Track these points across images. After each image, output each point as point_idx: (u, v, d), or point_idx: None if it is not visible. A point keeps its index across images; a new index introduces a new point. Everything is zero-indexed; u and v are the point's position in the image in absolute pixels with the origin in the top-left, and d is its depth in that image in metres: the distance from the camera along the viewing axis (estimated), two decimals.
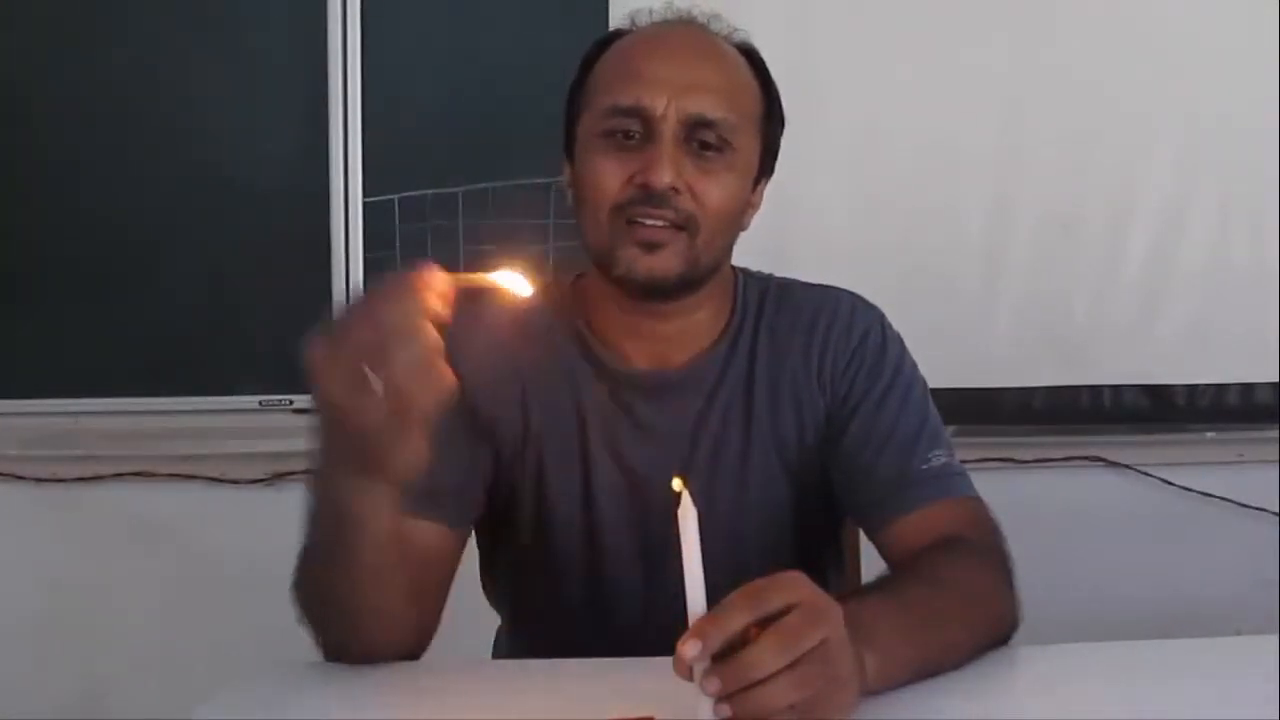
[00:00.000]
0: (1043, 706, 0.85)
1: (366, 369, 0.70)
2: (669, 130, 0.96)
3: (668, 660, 0.68)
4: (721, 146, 0.98)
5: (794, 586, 0.69)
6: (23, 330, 2.19)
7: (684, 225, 0.97)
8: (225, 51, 2.14)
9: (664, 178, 0.94)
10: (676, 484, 0.69)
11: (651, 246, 0.96)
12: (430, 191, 2.12)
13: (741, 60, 1.04)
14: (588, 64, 1.04)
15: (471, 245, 2.12)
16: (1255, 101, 2.03)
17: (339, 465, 0.78)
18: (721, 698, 0.66)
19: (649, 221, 0.96)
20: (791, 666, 0.66)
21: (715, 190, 0.97)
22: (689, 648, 0.66)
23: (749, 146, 1.01)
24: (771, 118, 1.06)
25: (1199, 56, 2.03)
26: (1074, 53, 2.04)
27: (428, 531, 0.98)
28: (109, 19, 2.14)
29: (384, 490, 0.79)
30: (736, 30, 1.06)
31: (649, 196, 0.95)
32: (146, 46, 2.15)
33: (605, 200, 0.97)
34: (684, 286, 0.99)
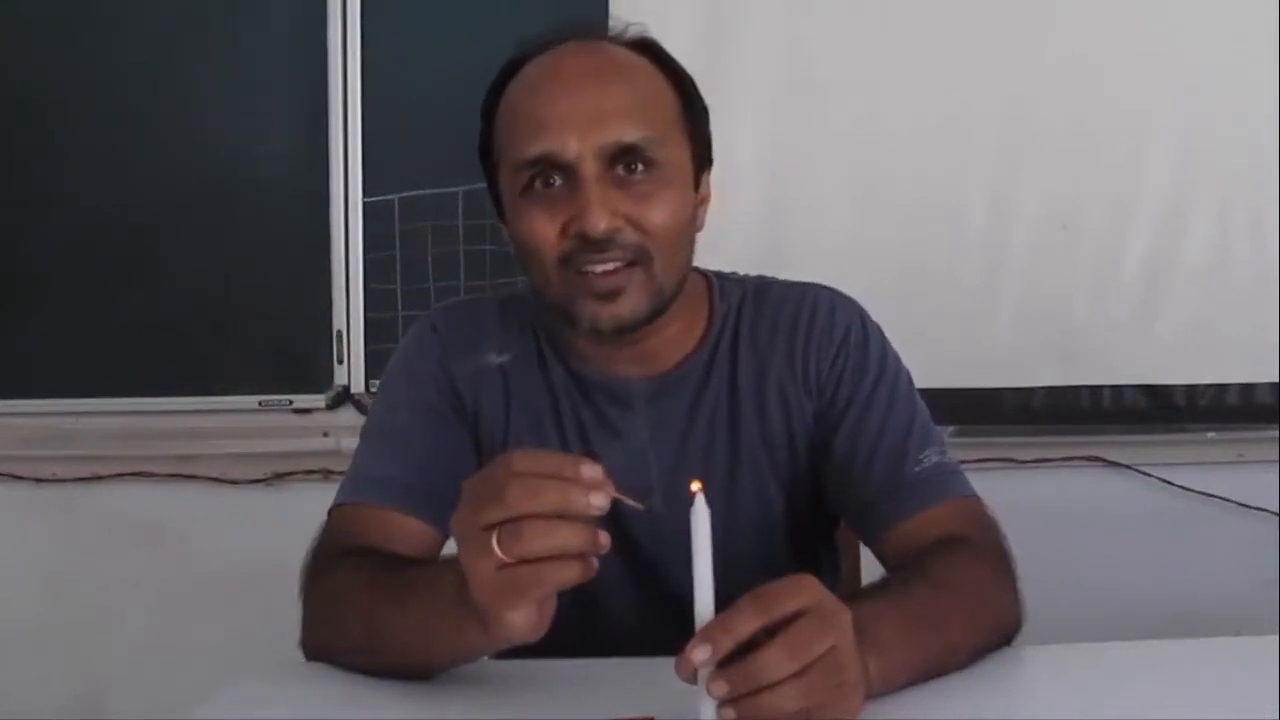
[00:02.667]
0: (1043, 706, 0.85)
1: (493, 538, 0.67)
2: (589, 170, 0.91)
3: (667, 660, 0.68)
4: (649, 164, 0.92)
5: (804, 591, 0.69)
6: (23, 330, 2.19)
7: (635, 260, 0.92)
8: (225, 51, 2.15)
9: (599, 224, 0.90)
10: (695, 486, 0.69)
11: (610, 295, 0.93)
12: (430, 191, 2.12)
13: (645, 64, 0.98)
14: (487, 114, 1.00)
15: (471, 245, 2.12)
16: (1255, 101, 2.03)
17: (453, 593, 0.74)
18: (727, 701, 0.66)
19: (599, 268, 0.92)
20: (800, 672, 0.66)
21: (655, 213, 0.93)
22: (699, 652, 0.66)
23: (677, 154, 0.96)
24: (693, 110, 1.00)
25: (1199, 57, 2.03)
26: (1074, 52, 2.04)
27: (409, 526, 0.98)
28: (109, 19, 2.14)
29: (477, 638, 0.75)
30: (631, 24, 1.00)
31: (590, 244, 0.91)
32: (146, 46, 2.15)
33: (549, 256, 0.93)
34: (653, 318, 0.97)
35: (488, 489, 0.68)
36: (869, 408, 1.02)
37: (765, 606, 0.67)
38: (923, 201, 2.06)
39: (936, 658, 0.83)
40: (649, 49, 0.99)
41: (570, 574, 0.68)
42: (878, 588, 0.88)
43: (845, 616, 0.70)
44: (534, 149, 0.92)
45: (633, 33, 0.99)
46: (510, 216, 0.98)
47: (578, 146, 0.91)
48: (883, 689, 0.76)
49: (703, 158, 1.01)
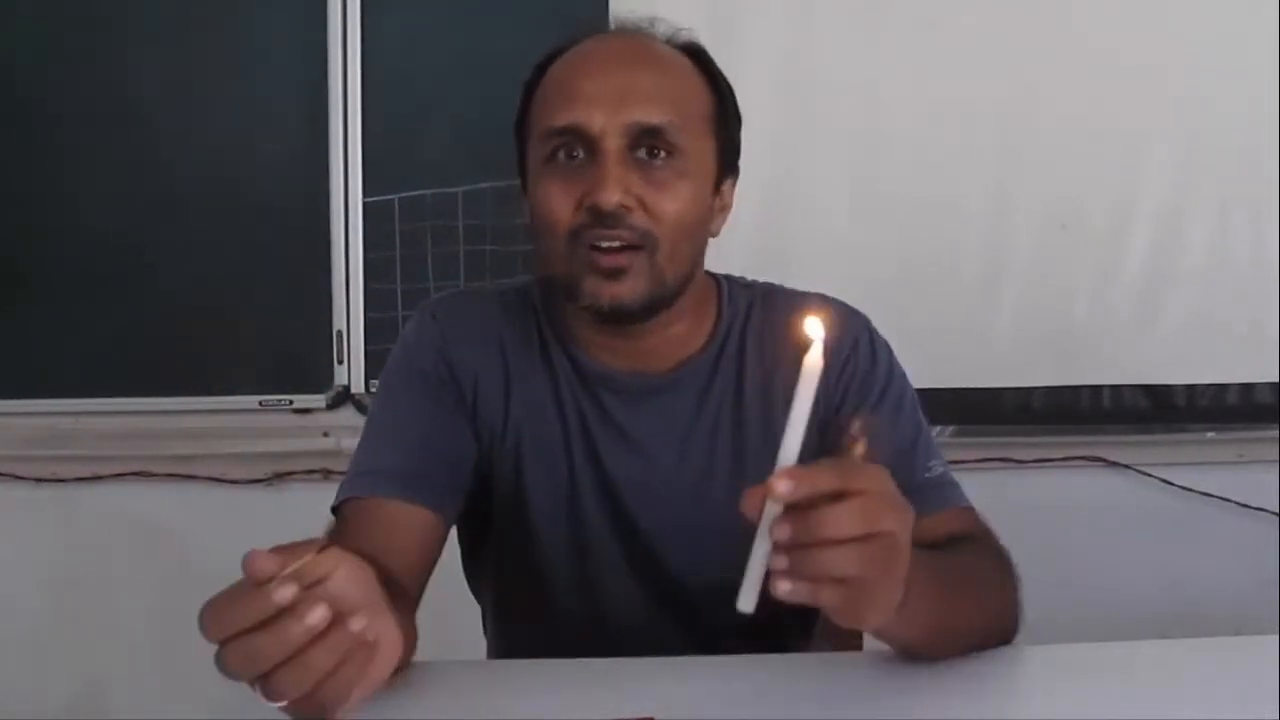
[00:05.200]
0: (1043, 706, 0.85)
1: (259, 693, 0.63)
2: (611, 145, 0.92)
3: (668, 660, 0.68)
4: (670, 151, 0.94)
5: (882, 477, 0.69)
6: (23, 330, 2.19)
7: (641, 244, 0.93)
8: (225, 51, 2.14)
9: (611, 197, 0.91)
10: (813, 328, 0.68)
11: (613, 273, 0.93)
12: (430, 191, 2.12)
13: (685, 61, 1.00)
14: (529, 90, 1.01)
15: (471, 245, 2.12)
16: (1255, 101, 2.03)
17: None
18: (783, 550, 0.66)
19: (605, 244, 0.92)
20: (863, 540, 0.66)
21: (668, 201, 0.94)
22: (781, 483, 0.65)
23: (701, 148, 0.97)
24: (726, 115, 1.01)
25: (1199, 56, 2.03)
26: (1074, 52, 2.04)
27: (412, 515, 0.97)
28: (109, 20, 2.14)
29: None
30: (681, 29, 1.02)
31: (601, 218, 0.92)
32: (146, 46, 2.15)
33: (559, 227, 0.94)
34: (652, 308, 0.97)
35: (225, 666, 0.63)
36: (874, 416, 1.02)
37: (846, 475, 0.67)
38: (923, 201, 2.06)
39: (951, 620, 0.83)
40: (694, 53, 1.02)
41: (358, 670, 0.63)
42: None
43: (910, 513, 0.70)
44: (561, 119, 0.94)
45: (682, 38, 1.02)
46: (531, 186, 0.99)
47: (603, 122, 0.93)
48: (903, 621, 0.75)
49: (729, 164, 1.02)
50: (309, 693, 0.62)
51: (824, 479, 0.66)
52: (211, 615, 0.63)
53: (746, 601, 0.67)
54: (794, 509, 0.66)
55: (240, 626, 0.62)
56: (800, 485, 0.66)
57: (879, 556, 0.67)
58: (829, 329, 1.03)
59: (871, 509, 0.67)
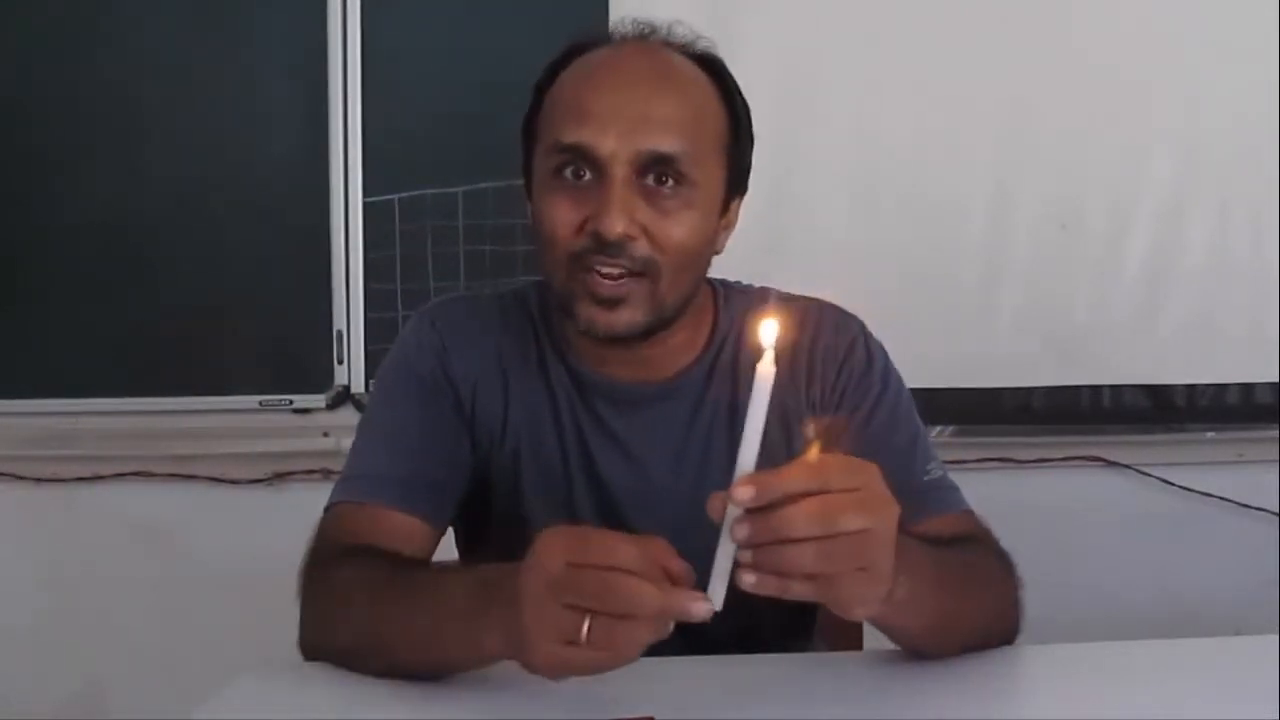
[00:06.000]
0: (1043, 706, 0.85)
1: (584, 626, 0.67)
2: (620, 171, 0.90)
3: (668, 660, 0.68)
4: (679, 180, 0.92)
5: (861, 473, 0.69)
6: (23, 330, 2.19)
7: (643, 271, 0.92)
8: (225, 51, 2.15)
9: (616, 227, 0.89)
10: (767, 339, 0.68)
11: (611, 302, 0.92)
12: (430, 191, 2.12)
13: (702, 78, 0.97)
14: (540, 90, 0.99)
15: (471, 245, 2.12)
16: (1255, 100, 2.03)
17: (466, 598, 0.76)
18: (746, 548, 0.67)
19: (605, 270, 0.91)
20: (822, 540, 0.66)
21: (674, 230, 0.92)
22: (742, 491, 0.66)
23: (712, 176, 0.95)
24: (739, 136, 0.99)
25: (1199, 55, 2.03)
26: (1074, 52, 2.04)
27: (406, 524, 0.97)
28: (109, 19, 2.14)
29: (496, 646, 0.76)
30: (700, 38, 1.00)
31: (603, 245, 0.90)
32: (146, 46, 2.15)
33: (561, 249, 0.93)
34: (650, 333, 0.96)
35: (590, 579, 0.68)
36: (869, 423, 1.02)
37: (819, 475, 0.67)
38: (922, 201, 2.06)
39: (951, 620, 0.84)
40: (712, 66, 0.99)
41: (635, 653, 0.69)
42: (912, 540, 0.88)
43: (892, 509, 0.70)
44: (572, 136, 0.92)
45: (701, 46, 1.00)
46: (536, 196, 0.98)
47: (614, 146, 0.91)
48: (901, 611, 0.76)
49: (737, 184, 1.01)
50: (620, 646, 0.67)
51: (793, 482, 0.67)
52: (636, 550, 0.68)
53: (715, 599, 0.68)
54: (756, 510, 0.67)
55: (648, 573, 0.67)
56: (766, 490, 0.66)
57: (847, 555, 0.68)
58: (825, 333, 1.04)
59: (834, 509, 0.67)
